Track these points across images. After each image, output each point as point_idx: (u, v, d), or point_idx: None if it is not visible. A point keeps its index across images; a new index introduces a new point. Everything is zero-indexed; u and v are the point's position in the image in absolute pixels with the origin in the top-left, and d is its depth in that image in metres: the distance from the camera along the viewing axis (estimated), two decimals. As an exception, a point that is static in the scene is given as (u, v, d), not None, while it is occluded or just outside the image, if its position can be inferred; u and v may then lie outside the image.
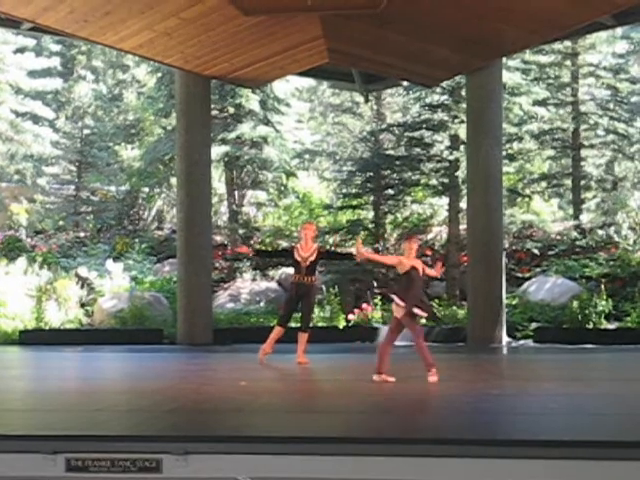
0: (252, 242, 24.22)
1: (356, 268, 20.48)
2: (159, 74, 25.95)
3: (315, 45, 15.55)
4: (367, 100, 24.63)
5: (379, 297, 19.73)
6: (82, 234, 25.81)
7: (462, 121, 20.27)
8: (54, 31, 15.86)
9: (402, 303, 9.53)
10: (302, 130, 30.71)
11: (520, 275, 20.96)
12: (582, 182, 24.12)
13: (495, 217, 17.57)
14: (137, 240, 24.18)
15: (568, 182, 24.55)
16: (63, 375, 11.59)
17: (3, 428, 6.64)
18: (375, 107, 26.33)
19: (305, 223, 14.08)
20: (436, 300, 19.93)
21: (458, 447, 5.79)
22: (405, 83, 22.12)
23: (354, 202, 23.57)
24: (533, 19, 14.32)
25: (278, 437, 6.17)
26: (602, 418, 7.16)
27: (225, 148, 22.95)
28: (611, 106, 24.47)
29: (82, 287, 20.34)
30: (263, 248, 22.83)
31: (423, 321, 11.81)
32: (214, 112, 21.80)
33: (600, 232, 22.87)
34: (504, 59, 19.26)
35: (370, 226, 23.15)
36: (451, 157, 21.36)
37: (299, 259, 12.01)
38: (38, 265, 20.87)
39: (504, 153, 19.23)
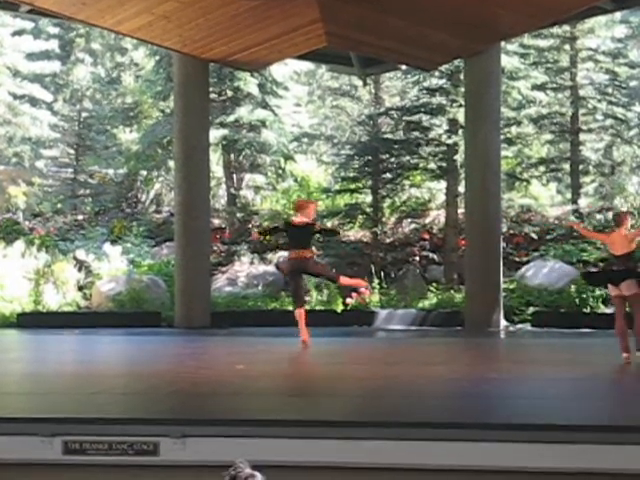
0: (251, 225, 24.21)
1: (354, 251, 20.47)
2: (157, 57, 25.88)
3: (313, 29, 15.49)
4: (365, 84, 24.57)
5: (379, 281, 19.71)
6: (80, 217, 25.82)
7: (460, 105, 20.24)
8: (52, 14, 15.84)
9: None
10: (300, 113, 30.60)
11: (518, 259, 20.95)
12: (580, 166, 24.08)
13: (493, 201, 17.56)
14: (135, 223, 24.18)
15: (566, 166, 24.51)
16: (61, 358, 11.60)
17: (0, 411, 6.66)
18: (373, 91, 26.23)
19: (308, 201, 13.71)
20: (434, 284, 19.99)
21: (455, 431, 5.81)
22: (403, 67, 22.06)
23: (352, 186, 23.52)
24: (532, 3, 14.29)
25: (275, 420, 6.19)
26: (599, 402, 7.18)
27: (223, 131, 22.92)
28: (610, 90, 24.41)
29: (80, 270, 20.36)
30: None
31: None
32: (212, 95, 21.76)
33: (598, 216, 22.84)
34: (503, 43, 19.21)
35: (368, 210, 23.13)
36: (449, 141, 21.33)
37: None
38: (36, 248, 20.87)
39: (502, 137, 19.20)
